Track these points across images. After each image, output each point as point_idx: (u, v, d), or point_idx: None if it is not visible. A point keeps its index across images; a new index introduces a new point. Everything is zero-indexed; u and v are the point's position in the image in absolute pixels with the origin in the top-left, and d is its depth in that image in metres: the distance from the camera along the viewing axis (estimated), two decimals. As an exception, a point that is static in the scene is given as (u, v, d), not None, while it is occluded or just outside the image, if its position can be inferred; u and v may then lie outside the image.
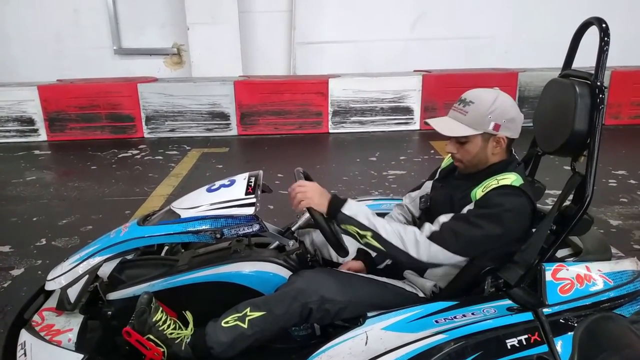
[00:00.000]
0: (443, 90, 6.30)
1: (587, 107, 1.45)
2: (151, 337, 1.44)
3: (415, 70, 6.76)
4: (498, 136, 1.50)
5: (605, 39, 1.44)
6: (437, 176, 1.82)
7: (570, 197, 1.53)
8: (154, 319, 1.46)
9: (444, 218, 1.49)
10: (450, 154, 1.62)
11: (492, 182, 1.49)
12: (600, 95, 1.44)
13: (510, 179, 1.49)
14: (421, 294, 1.60)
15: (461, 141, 1.53)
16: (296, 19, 6.93)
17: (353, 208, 1.48)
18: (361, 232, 1.46)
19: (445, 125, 1.53)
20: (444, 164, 1.81)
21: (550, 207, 1.56)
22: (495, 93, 1.52)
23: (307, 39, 7.07)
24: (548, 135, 1.67)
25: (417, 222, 1.87)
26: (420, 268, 1.61)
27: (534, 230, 1.51)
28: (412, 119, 6.42)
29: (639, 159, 4.63)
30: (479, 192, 1.50)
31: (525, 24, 7.05)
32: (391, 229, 1.46)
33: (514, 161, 1.59)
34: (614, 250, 1.68)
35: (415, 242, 1.43)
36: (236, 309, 1.48)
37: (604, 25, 1.47)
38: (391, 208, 1.98)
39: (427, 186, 1.85)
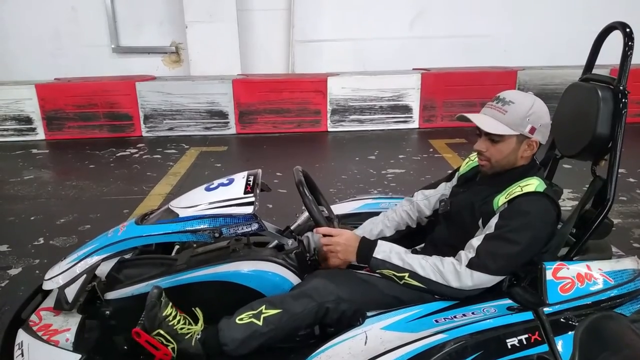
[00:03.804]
0: (442, 88, 6.30)
1: (610, 112, 1.46)
2: (161, 331, 1.43)
3: (414, 69, 6.75)
4: (531, 139, 1.49)
5: (630, 43, 1.45)
6: (456, 181, 1.80)
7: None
8: (164, 314, 1.44)
9: (477, 241, 1.44)
10: (476, 153, 1.59)
11: (516, 190, 1.46)
12: (623, 100, 1.44)
13: (534, 184, 1.46)
14: None
15: (495, 140, 1.50)
16: (295, 17, 6.91)
17: (385, 250, 1.48)
18: (398, 275, 1.45)
19: (484, 121, 1.50)
20: (463, 170, 1.79)
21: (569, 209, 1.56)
22: (533, 97, 1.51)
23: (306, 37, 7.05)
24: (568, 138, 1.67)
25: (426, 220, 1.86)
26: (464, 296, 1.49)
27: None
28: (411, 117, 6.41)
29: (638, 157, 4.62)
30: (501, 199, 1.48)
31: (524, 22, 7.03)
32: (427, 264, 1.44)
33: (535, 166, 1.58)
34: (614, 249, 1.67)
35: (455, 272, 1.42)
36: (251, 306, 1.47)
37: (627, 29, 1.47)
38: (388, 207, 1.97)
39: (443, 188, 1.83)
